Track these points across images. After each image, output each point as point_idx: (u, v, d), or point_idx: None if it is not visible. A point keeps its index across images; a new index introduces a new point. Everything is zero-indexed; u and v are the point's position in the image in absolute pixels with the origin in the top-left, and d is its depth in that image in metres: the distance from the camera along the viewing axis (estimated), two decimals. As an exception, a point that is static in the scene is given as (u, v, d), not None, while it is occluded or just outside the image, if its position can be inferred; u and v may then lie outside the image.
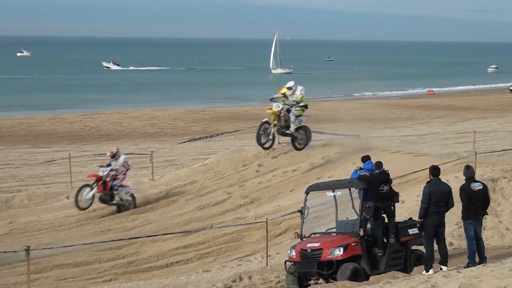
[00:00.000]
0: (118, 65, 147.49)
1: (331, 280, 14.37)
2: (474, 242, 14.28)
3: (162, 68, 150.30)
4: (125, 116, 58.81)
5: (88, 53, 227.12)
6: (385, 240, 14.84)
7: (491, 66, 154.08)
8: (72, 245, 19.68)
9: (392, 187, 15.34)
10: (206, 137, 36.10)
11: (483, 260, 14.28)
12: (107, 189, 23.14)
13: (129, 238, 20.07)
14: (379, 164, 15.30)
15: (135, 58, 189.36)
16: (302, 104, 23.87)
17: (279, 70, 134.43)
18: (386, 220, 15.08)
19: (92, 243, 19.72)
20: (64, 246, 19.42)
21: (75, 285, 18.04)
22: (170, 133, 48.82)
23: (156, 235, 20.33)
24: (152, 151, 30.24)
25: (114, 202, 23.42)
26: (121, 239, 20.01)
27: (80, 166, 34.05)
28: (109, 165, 23.50)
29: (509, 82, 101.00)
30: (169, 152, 38.76)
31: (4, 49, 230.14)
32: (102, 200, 23.34)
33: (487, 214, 14.89)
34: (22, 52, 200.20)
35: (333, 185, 15.65)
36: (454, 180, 19.94)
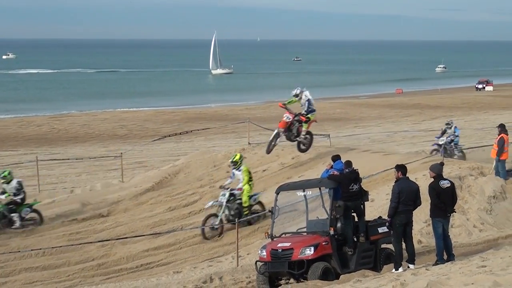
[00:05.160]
0: None
1: (302, 280, 14.38)
2: (442, 239, 14.38)
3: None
4: (93, 118, 58.34)
5: (67, 54, 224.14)
6: (355, 239, 14.89)
7: (439, 66, 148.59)
8: (40, 248, 19.49)
9: (362, 186, 15.42)
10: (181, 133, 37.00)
11: (451, 257, 14.39)
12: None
13: (99, 241, 19.92)
14: (348, 163, 15.36)
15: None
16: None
17: (219, 71, 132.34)
18: (356, 219, 15.14)
19: (61, 246, 19.53)
20: (32, 250, 19.23)
21: (44, 289, 17.85)
22: (140, 135, 48.53)
23: (126, 237, 20.21)
24: (121, 153, 30.07)
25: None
26: (91, 242, 19.85)
27: (48, 169, 33.72)
28: None
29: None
30: (138, 153, 38.55)
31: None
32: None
33: (455, 212, 15.01)
34: (8, 55, 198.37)
35: (303, 185, 15.68)
36: (422, 178, 20.09)
